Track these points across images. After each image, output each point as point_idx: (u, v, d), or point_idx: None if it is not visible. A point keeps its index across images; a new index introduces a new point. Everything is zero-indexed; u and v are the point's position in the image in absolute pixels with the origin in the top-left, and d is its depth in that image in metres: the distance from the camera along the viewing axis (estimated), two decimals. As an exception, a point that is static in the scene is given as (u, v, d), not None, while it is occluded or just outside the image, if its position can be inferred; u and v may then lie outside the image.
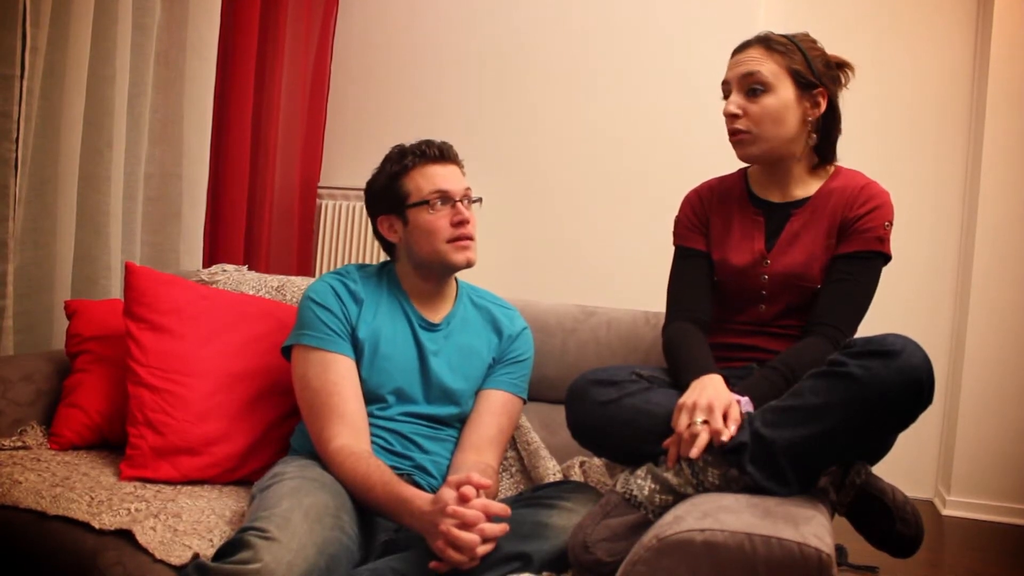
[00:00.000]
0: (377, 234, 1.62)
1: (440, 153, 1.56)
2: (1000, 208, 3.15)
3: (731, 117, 1.47)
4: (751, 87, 1.45)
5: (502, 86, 3.39)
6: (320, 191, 3.49)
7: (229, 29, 2.93)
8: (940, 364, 3.23)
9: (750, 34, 1.51)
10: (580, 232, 3.28)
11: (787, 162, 1.50)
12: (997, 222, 3.16)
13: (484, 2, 3.40)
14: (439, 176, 1.54)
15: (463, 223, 1.52)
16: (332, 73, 3.48)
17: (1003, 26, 3.14)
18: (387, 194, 1.57)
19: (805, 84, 1.45)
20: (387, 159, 1.60)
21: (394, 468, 1.41)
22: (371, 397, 1.51)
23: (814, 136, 1.48)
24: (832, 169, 1.53)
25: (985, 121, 3.16)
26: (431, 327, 1.59)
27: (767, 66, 1.44)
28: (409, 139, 1.61)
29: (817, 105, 1.46)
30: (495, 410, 1.58)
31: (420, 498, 1.26)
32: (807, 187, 1.52)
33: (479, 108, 3.39)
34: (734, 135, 1.48)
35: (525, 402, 1.66)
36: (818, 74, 1.45)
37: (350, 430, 1.43)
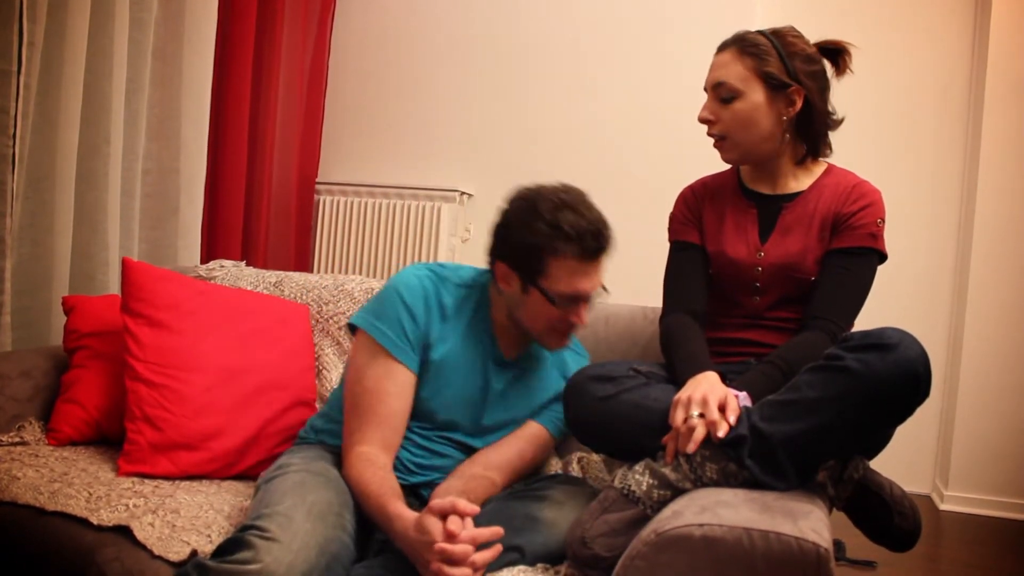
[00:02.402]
0: (491, 271, 1.48)
1: (597, 250, 1.39)
2: (998, 203, 3.15)
3: (705, 123, 1.50)
4: (722, 97, 1.48)
5: (499, 82, 3.38)
6: (318, 187, 3.49)
7: (226, 24, 2.93)
8: (938, 359, 3.24)
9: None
10: (578, 228, 3.27)
11: (771, 159, 1.52)
12: (995, 217, 3.16)
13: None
14: (583, 278, 1.39)
15: (576, 325, 1.44)
16: (330, 68, 3.48)
17: (1001, 21, 3.14)
18: (523, 254, 1.40)
19: (777, 85, 1.45)
20: (538, 212, 1.39)
21: (418, 476, 1.43)
22: (421, 415, 1.47)
23: (787, 136, 1.49)
24: (824, 166, 1.54)
25: (983, 115, 3.16)
26: (504, 363, 1.52)
27: (735, 71, 1.46)
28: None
29: (792, 104, 1.47)
30: (526, 436, 1.52)
31: (403, 519, 1.22)
32: (798, 181, 1.53)
33: (476, 104, 3.39)
34: (714, 140, 1.52)
35: (556, 442, 1.59)
36: (793, 73, 1.45)
37: (381, 442, 1.39)
